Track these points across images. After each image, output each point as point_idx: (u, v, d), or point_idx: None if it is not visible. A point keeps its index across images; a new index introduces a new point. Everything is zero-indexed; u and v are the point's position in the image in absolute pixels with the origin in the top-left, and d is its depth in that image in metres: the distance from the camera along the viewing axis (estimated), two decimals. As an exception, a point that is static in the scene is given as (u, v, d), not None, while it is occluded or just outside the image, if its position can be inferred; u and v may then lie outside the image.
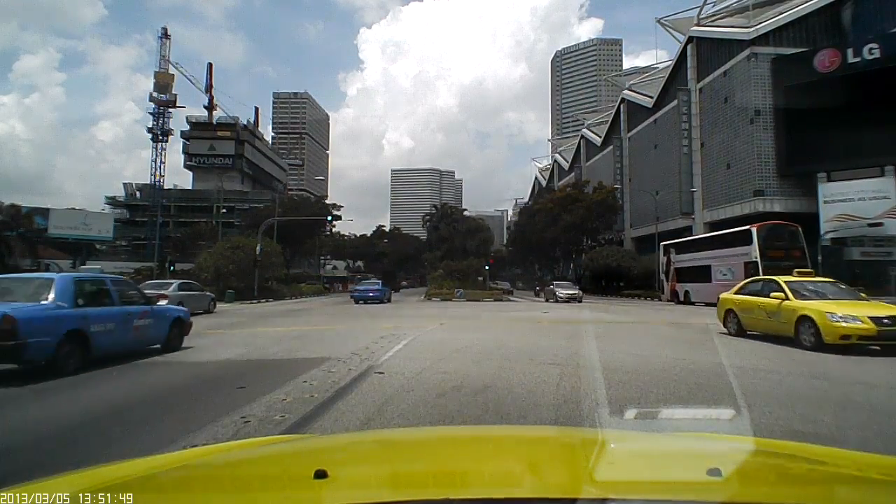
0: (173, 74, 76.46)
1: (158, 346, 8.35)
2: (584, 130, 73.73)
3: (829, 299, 8.97)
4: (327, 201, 66.68)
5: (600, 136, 66.24)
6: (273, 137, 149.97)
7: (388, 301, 28.97)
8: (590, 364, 6.66)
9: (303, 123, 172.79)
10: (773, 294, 9.46)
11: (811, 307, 8.65)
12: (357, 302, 27.03)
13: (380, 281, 31.89)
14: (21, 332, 5.79)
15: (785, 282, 9.67)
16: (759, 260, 22.18)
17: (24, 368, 6.14)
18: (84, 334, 6.69)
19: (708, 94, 43.70)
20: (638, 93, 56.11)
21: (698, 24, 44.74)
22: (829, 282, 10.39)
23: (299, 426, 3.91)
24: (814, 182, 35.79)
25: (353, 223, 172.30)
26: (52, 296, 6.59)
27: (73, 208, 59.42)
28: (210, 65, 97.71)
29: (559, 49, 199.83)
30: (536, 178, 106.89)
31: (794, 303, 9.02)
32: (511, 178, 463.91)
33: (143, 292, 8.75)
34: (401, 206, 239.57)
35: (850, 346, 7.88)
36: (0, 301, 6.32)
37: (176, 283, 19.15)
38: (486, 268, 45.19)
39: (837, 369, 6.78)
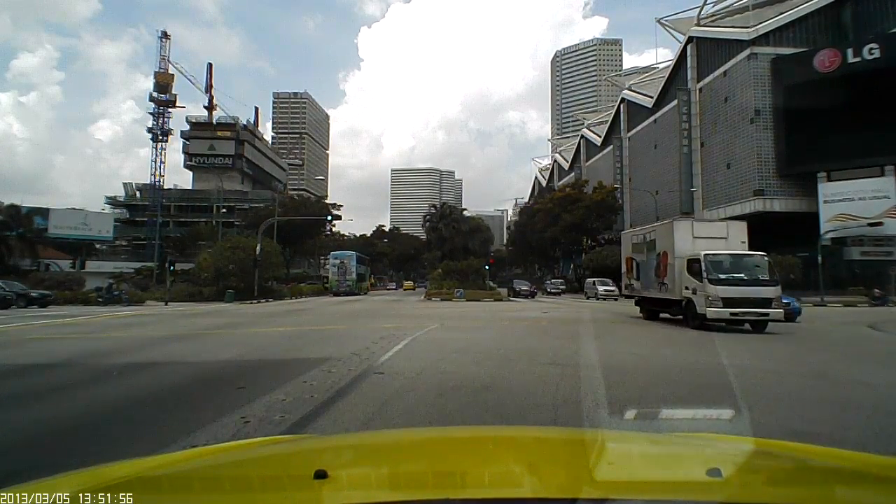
0: (173, 74, 76.37)
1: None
2: (584, 130, 73.67)
3: None
4: (327, 201, 66.78)
5: (600, 136, 66.19)
6: (273, 137, 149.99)
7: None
8: (589, 364, 6.65)
9: (302, 123, 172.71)
10: None
11: None
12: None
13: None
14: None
15: None
16: None
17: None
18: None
19: (708, 93, 43.64)
20: (638, 93, 56.04)
21: (698, 24, 44.68)
22: None
23: (299, 426, 3.91)
24: (814, 182, 35.73)
25: (353, 223, 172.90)
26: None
27: (73, 208, 59.36)
28: (210, 65, 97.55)
29: (559, 49, 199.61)
30: (536, 177, 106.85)
31: None
32: (511, 177, 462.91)
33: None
34: (401, 205, 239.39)
35: None
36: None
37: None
38: (487, 268, 45.13)
39: (838, 369, 6.78)
